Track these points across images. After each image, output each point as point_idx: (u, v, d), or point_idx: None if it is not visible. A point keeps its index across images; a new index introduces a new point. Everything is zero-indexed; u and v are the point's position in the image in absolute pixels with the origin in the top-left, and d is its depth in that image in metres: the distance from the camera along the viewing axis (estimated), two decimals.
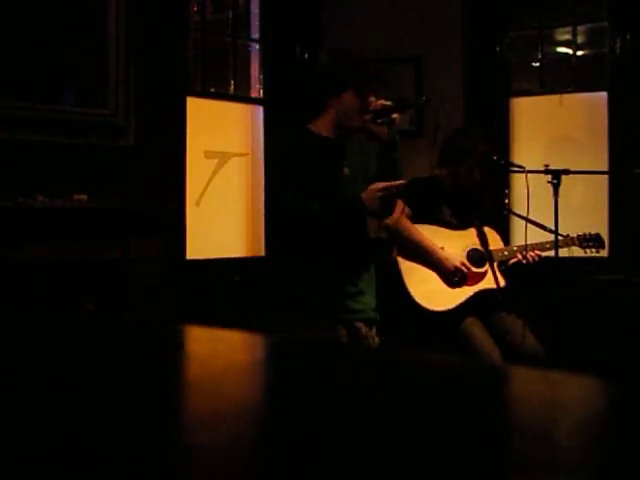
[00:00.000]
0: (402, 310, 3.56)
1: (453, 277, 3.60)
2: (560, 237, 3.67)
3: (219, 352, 1.05)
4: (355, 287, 3.05)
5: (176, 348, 1.10)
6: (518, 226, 4.45)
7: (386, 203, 2.95)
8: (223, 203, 5.21)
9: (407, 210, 3.57)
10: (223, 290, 4.83)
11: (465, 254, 3.69)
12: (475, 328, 3.61)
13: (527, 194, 3.53)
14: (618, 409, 0.76)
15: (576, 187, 4.52)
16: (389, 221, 3.37)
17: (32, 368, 0.90)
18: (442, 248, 3.65)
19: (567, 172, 3.40)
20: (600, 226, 4.74)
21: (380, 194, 2.91)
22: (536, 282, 4.15)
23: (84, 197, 4.12)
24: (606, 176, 4.71)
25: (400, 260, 3.63)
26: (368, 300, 3.09)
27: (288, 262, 3.06)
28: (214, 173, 5.14)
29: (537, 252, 3.73)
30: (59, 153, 4.19)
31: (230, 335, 1.17)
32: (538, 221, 3.77)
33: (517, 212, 4.14)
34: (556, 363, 3.53)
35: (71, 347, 1.06)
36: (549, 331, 3.66)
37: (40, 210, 3.94)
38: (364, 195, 2.93)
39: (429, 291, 3.59)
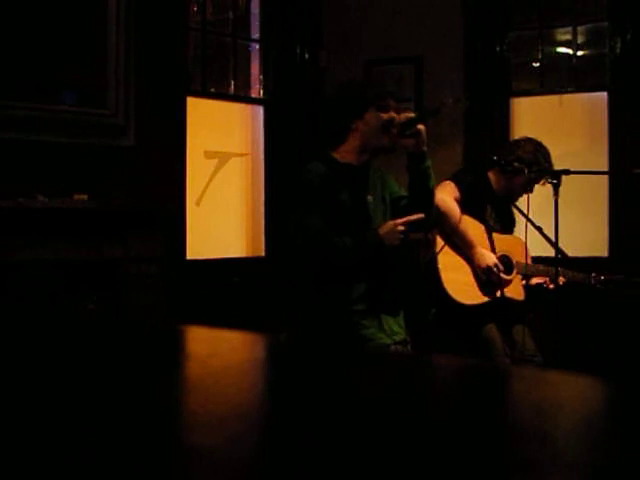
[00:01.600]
0: (425, 289, 3.57)
1: (482, 275, 3.58)
2: (587, 276, 3.65)
3: (219, 352, 1.05)
4: (396, 314, 3.06)
5: (176, 348, 1.10)
6: (517, 229, 4.44)
7: (407, 236, 2.97)
8: (223, 203, 5.21)
9: (457, 195, 3.60)
10: (223, 290, 4.83)
11: (497, 258, 3.66)
12: (495, 334, 3.58)
13: (527, 194, 3.54)
14: (618, 409, 0.76)
15: (576, 187, 4.52)
16: (440, 204, 3.36)
17: (32, 368, 0.90)
18: None
19: (567, 172, 3.39)
20: (600, 226, 4.75)
21: (402, 229, 2.91)
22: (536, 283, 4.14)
23: (84, 197, 4.12)
24: (606, 176, 4.70)
25: (439, 241, 3.61)
26: (400, 320, 3.09)
27: (315, 298, 3.02)
28: (214, 173, 5.14)
29: (564, 280, 3.65)
30: (59, 153, 4.19)
31: (230, 335, 1.17)
32: (542, 229, 3.73)
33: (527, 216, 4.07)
34: (556, 364, 3.53)
35: (71, 347, 1.06)
36: (549, 332, 3.65)
37: (40, 210, 3.94)
38: (382, 231, 2.92)
39: (457, 280, 3.58)
